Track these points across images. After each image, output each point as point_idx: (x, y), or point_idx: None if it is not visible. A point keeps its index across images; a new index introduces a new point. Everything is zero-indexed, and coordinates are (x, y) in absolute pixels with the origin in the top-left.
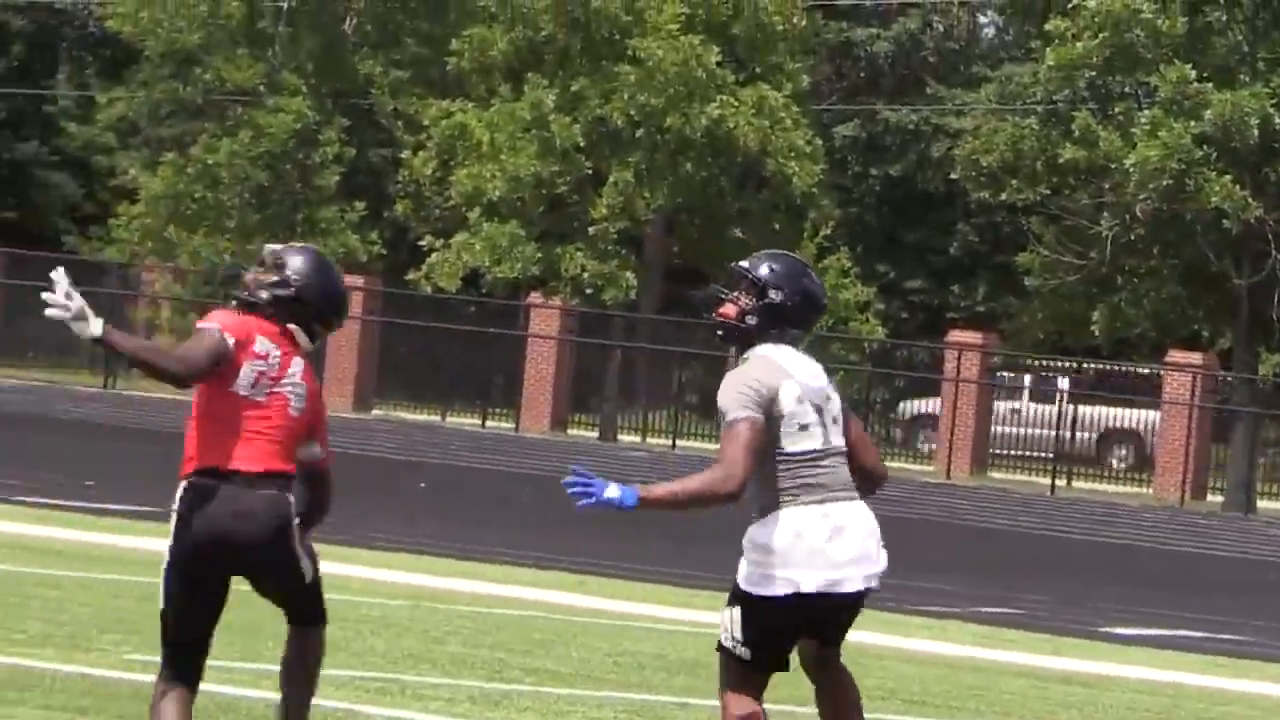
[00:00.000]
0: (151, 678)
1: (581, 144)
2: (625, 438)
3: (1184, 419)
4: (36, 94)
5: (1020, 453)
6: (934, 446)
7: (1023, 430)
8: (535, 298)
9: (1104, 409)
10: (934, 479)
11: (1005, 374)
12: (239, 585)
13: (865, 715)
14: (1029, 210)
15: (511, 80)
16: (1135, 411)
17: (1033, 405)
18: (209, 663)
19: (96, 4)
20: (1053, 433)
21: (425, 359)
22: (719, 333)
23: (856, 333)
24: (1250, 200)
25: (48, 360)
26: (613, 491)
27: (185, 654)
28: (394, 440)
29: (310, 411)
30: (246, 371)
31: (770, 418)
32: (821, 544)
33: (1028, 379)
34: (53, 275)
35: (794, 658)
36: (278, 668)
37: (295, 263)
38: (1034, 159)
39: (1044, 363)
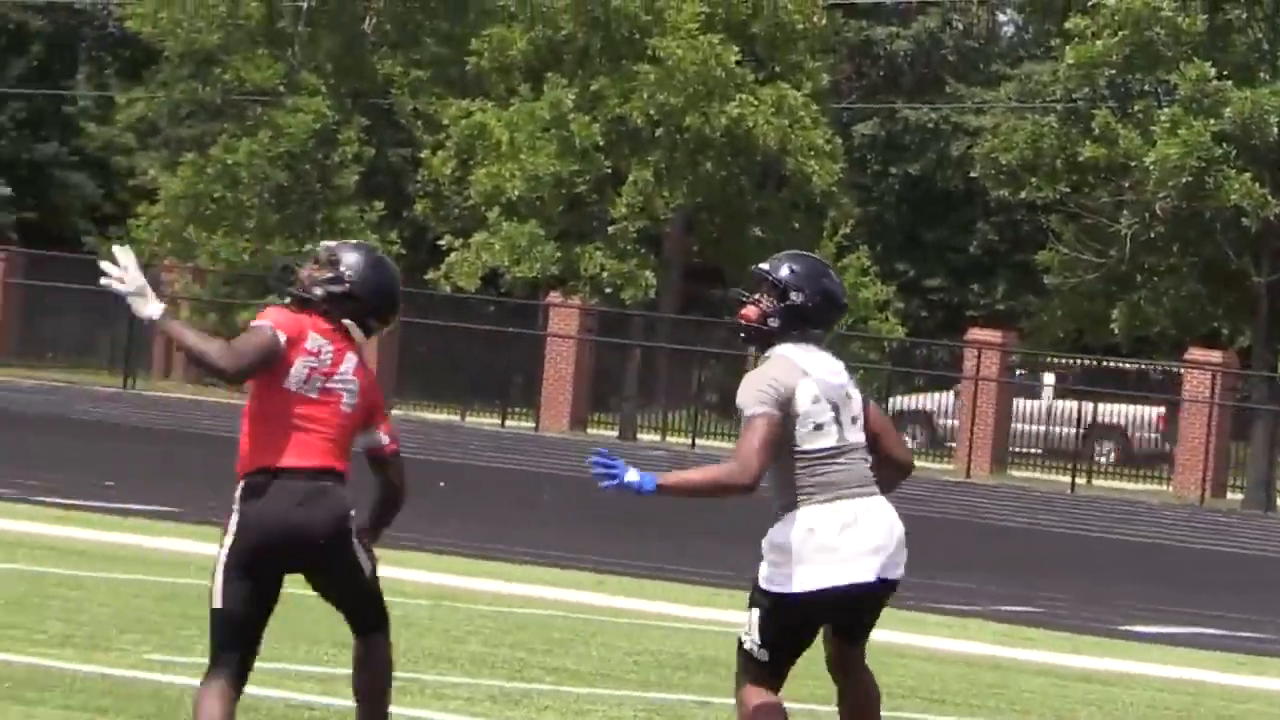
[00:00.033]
0: (171, 678)
1: (601, 143)
2: (645, 437)
3: (1204, 417)
4: (56, 94)
5: (1017, 448)
6: (919, 442)
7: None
8: (554, 297)
9: (1090, 405)
10: (954, 477)
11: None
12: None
13: (887, 714)
14: (1048, 208)
15: (531, 80)
16: (1120, 407)
17: (1018, 401)
18: None
19: (116, 4)
20: (1038, 428)
21: (445, 359)
22: (741, 334)
23: (876, 331)
24: (1270, 198)
25: (67, 361)
26: (633, 475)
27: (234, 652)
28: (414, 440)
29: (365, 404)
30: (298, 368)
31: (787, 416)
32: (833, 539)
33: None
34: (116, 250)
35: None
36: (298, 667)
37: (350, 259)
38: (1053, 157)
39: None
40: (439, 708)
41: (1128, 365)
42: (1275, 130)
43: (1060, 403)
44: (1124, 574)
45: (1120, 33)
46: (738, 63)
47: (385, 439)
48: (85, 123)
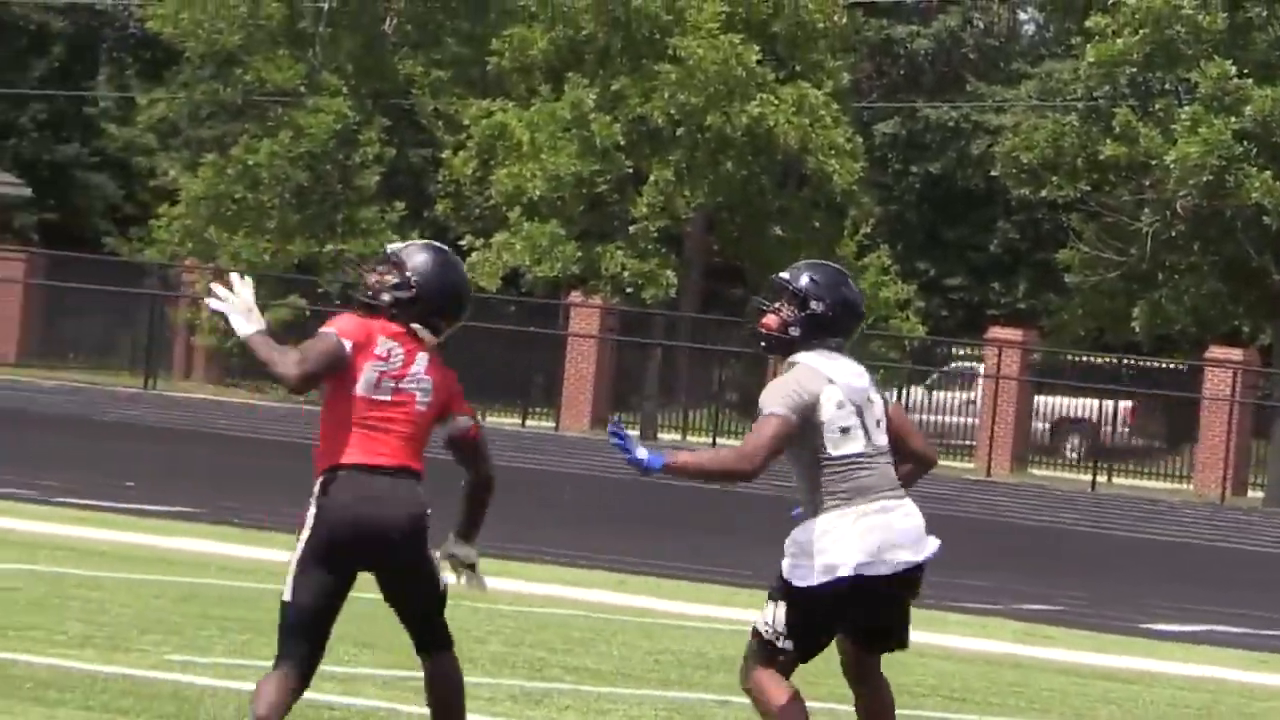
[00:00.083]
0: (191, 678)
1: (622, 143)
2: (665, 436)
3: (1224, 415)
4: (77, 95)
5: (973, 442)
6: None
7: (976, 420)
8: (575, 297)
9: (1058, 399)
10: (974, 476)
11: (962, 364)
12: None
13: (907, 713)
14: (1069, 207)
15: (552, 80)
16: (1089, 401)
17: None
18: (245, 661)
19: (137, 5)
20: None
21: (465, 358)
22: (762, 343)
23: (897, 330)
24: None
25: (88, 361)
26: (642, 452)
27: (300, 647)
28: (434, 439)
29: (440, 400)
30: (368, 373)
31: (810, 423)
32: (858, 536)
33: (981, 367)
34: (234, 277)
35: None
36: (320, 667)
37: (415, 262)
38: (1074, 156)
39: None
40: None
41: (1099, 360)
42: None
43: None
44: (1145, 572)
45: (1141, 31)
46: (758, 62)
47: (467, 422)
48: (106, 124)
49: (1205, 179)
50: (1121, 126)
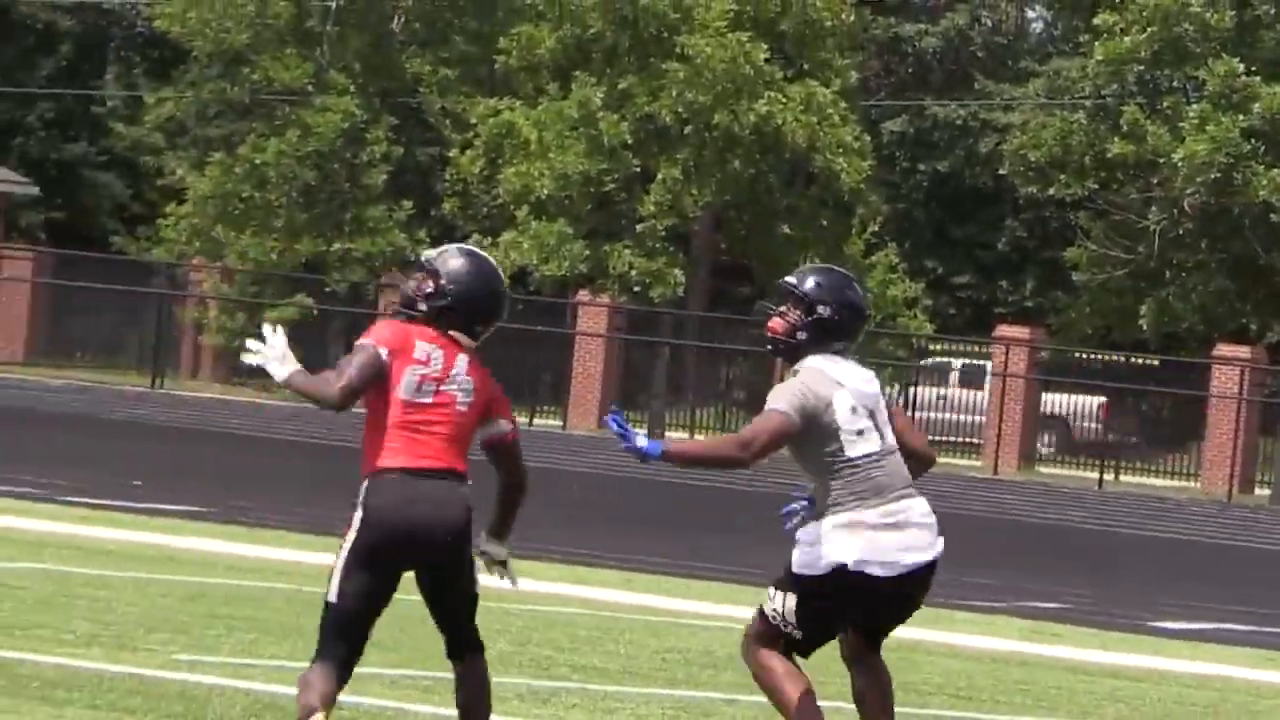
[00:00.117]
0: (198, 677)
1: (629, 141)
2: (673, 434)
3: (1232, 412)
4: (85, 94)
5: (947, 438)
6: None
7: (950, 416)
8: (583, 295)
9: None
10: (981, 474)
11: (933, 359)
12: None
13: (914, 710)
14: (1077, 205)
15: (559, 78)
16: (1062, 396)
17: (960, 391)
18: (253, 661)
19: (144, 4)
20: (980, 418)
21: None
22: (768, 347)
23: (904, 328)
24: None
25: (95, 360)
26: (641, 441)
27: (340, 647)
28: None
29: (481, 401)
30: (408, 377)
31: (820, 425)
32: (873, 535)
33: (956, 363)
34: (267, 328)
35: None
36: None
37: (449, 270)
38: (1082, 154)
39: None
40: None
41: (1079, 354)
42: None
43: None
44: (1151, 570)
45: (1149, 29)
46: (766, 60)
47: (506, 427)
48: (114, 123)
49: (1213, 177)
50: (1129, 124)
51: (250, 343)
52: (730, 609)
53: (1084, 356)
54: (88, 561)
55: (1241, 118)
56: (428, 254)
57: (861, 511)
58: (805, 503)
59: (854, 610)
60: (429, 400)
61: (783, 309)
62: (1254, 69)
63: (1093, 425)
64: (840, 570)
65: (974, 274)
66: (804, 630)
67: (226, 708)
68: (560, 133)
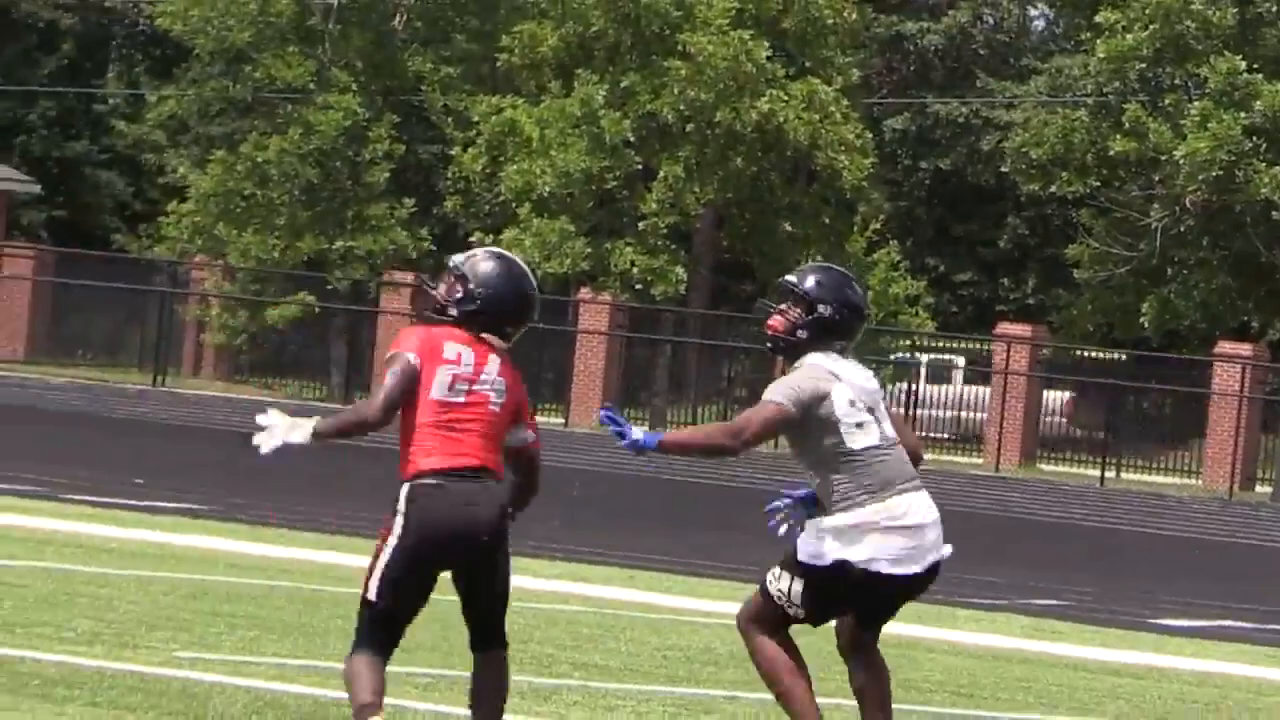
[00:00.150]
0: (200, 675)
1: (631, 139)
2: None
3: (1233, 410)
4: (87, 92)
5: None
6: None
7: (917, 411)
8: (585, 293)
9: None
10: (983, 471)
11: (902, 355)
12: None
13: (915, 708)
14: (1079, 203)
15: (561, 76)
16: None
17: (928, 386)
18: (254, 658)
19: (146, 2)
20: (949, 413)
21: None
22: (769, 345)
23: (906, 326)
24: None
25: (97, 358)
26: (638, 434)
27: (379, 638)
28: None
29: (513, 402)
30: (441, 378)
31: (819, 418)
32: (880, 535)
33: (925, 358)
34: (260, 418)
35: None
36: (325, 664)
37: (479, 273)
38: (1084, 151)
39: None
40: (467, 704)
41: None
42: None
43: (970, 388)
44: (1153, 567)
45: (1151, 26)
46: (768, 58)
47: (530, 435)
48: (116, 121)
49: (1214, 174)
50: (1131, 122)
51: (255, 438)
52: (731, 606)
53: (1082, 354)
54: (89, 559)
55: (1243, 115)
56: (457, 258)
57: (870, 507)
58: (789, 501)
59: (858, 601)
60: (462, 400)
61: (783, 307)
62: (1256, 66)
63: (1059, 420)
64: (847, 567)
65: (976, 272)
66: (806, 611)
67: (227, 705)
68: (562, 130)
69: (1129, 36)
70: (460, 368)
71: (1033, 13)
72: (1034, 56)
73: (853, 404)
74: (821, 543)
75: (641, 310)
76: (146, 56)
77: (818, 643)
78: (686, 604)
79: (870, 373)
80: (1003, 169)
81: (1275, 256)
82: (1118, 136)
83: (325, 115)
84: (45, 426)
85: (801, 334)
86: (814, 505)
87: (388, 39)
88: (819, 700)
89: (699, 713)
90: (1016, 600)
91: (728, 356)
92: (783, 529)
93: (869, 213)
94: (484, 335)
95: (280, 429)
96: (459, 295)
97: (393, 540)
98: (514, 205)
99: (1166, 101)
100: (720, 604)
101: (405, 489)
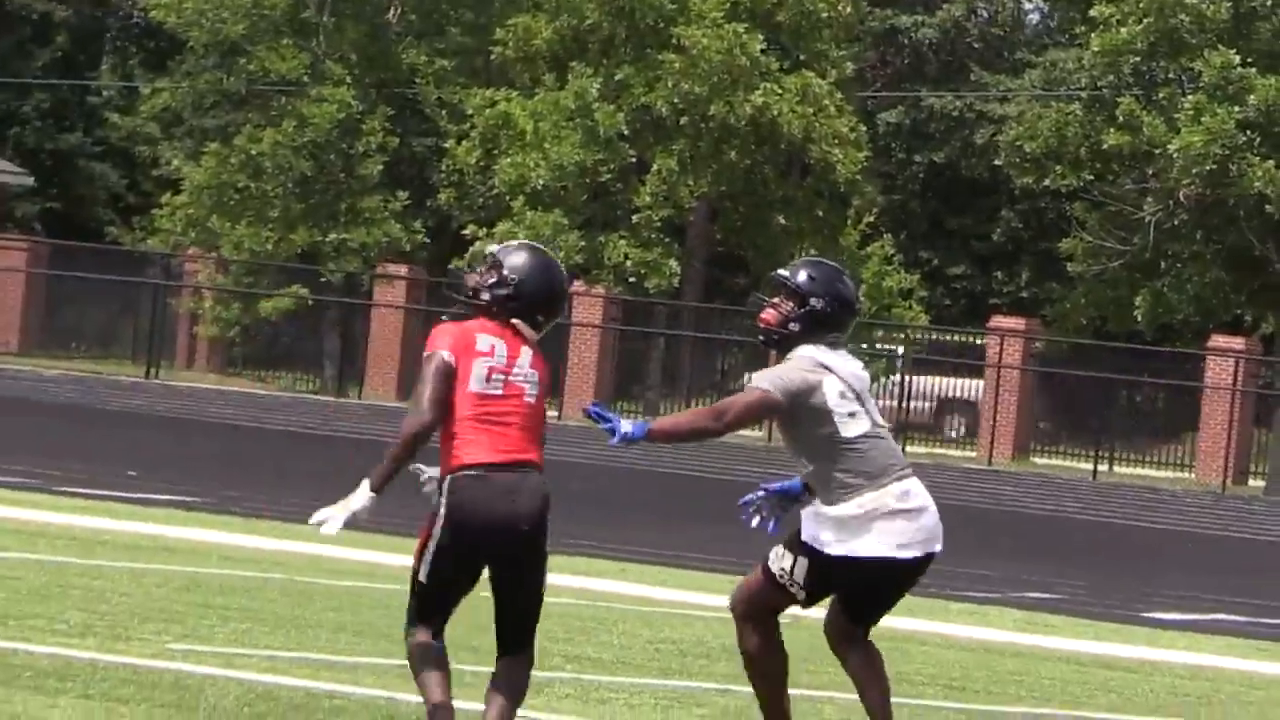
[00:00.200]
0: (192, 667)
1: (625, 132)
2: None
3: (1226, 403)
4: (80, 85)
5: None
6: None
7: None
8: (578, 286)
9: (942, 379)
10: (976, 465)
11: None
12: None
13: (908, 701)
14: (1072, 196)
15: (555, 69)
16: (970, 381)
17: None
18: (247, 651)
19: None
20: (891, 403)
21: None
22: (761, 338)
23: (900, 319)
24: None
25: (91, 350)
26: (627, 426)
27: (433, 612)
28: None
29: (544, 393)
30: (478, 370)
31: (810, 407)
32: (884, 521)
33: (901, 350)
34: (313, 523)
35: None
36: (317, 656)
37: (512, 262)
38: (1078, 145)
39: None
40: (460, 696)
41: (939, 339)
42: None
43: (913, 378)
44: (1145, 561)
45: (1145, 20)
46: (762, 51)
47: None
48: (109, 113)
49: (1208, 168)
50: (1125, 116)
51: (320, 528)
52: (723, 599)
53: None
54: (82, 551)
55: (1237, 109)
56: (491, 247)
57: (870, 494)
58: (762, 494)
59: (862, 589)
60: (499, 392)
61: (775, 301)
62: (1250, 60)
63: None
64: (853, 558)
65: (969, 265)
66: (806, 592)
67: (220, 697)
68: (556, 123)
69: (1123, 30)
70: (494, 359)
71: (1027, 6)
72: (1028, 50)
73: (843, 395)
74: (826, 530)
75: (635, 303)
76: (140, 49)
77: (810, 638)
78: (679, 597)
79: (860, 363)
80: (996, 162)
81: (1268, 250)
82: (1111, 130)
83: (319, 108)
84: (38, 418)
85: (794, 327)
86: (790, 498)
87: (382, 32)
88: (813, 693)
89: (691, 705)
90: (1009, 594)
91: (721, 349)
92: (755, 520)
93: (862, 206)
94: (515, 323)
95: (337, 511)
96: (493, 280)
97: (436, 529)
98: (508, 198)
99: (1160, 95)
100: (712, 597)
101: (447, 481)
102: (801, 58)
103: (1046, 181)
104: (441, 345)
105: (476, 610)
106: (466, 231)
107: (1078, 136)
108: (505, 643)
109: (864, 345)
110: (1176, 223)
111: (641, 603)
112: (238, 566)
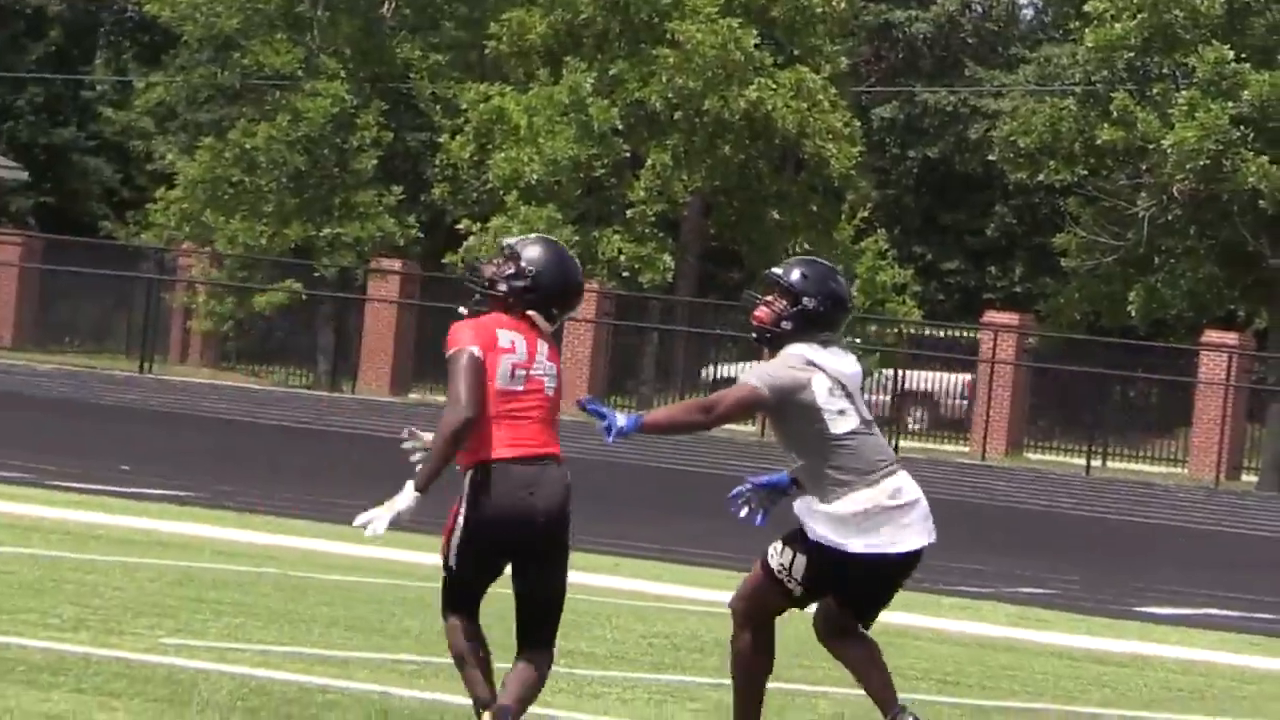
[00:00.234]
0: (185, 661)
1: (619, 127)
2: None
3: (1219, 399)
4: (74, 79)
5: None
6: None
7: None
8: None
9: (901, 371)
10: (969, 460)
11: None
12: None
13: (900, 696)
14: (1066, 191)
15: (550, 63)
16: (930, 373)
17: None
18: (240, 645)
19: None
20: (884, 398)
21: None
22: (754, 335)
23: (893, 314)
24: None
25: (84, 345)
26: (621, 420)
27: (464, 597)
28: (431, 424)
29: (560, 386)
30: (503, 367)
31: (798, 404)
32: (883, 515)
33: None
34: (356, 524)
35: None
36: (311, 651)
37: (530, 254)
38: (1072, 140)
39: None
40: (453, 691)
41: (933, 335)
42: None
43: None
44: (1139, 556)
45: (1139, 15)
46: (757, 46)
47: None
48: (103, 107)
49: (1202, 164)
50: (1119, 111)
51: (368, 530)
52: (717, 594)
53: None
54: (75, 546)
55: (1231, 105)
56: (508, 240)
57: (863, 492)
58: (750, 486)
59: (859, 586)
60: (521, 387)
61: (768, 299)
62: (1244, 56)
63: (959, 402)
64: (850, 555)
65: (963, 260)
66: (804, 588)
67: (212, 692)
68: (550, 118)
69: (1117, 25)
70: (516, 355)
71: (1021, 1)
72: (1022, 45)
73: (832, 392)
74: (823, 527)
75: (629, 298)
76: (134, 43)
77: (804, 633)
78: (672, 591)
79: (853, 358)
80: (990, 157)
81: (1262, 246)
82: (1105, 125)
83: (313, 102)
84: (32, 413)
85: (786, 325)
86: (778, 492)
87: (376, 26)
88: (804, 688)
89: (684, 700)
90: (1002, 588)
91: (715, 344)
92: (744, 512)
93: (856, 201)
94: (530, 315)
95: (383, 512)
96: (510, 272)
97: (459, 521)
98: (501, 193)
99: (1154, 90)
100: (706, 591)
101: (469, 474)
102: (796, 53)
103: (1040, 177)
104: (467, 341)
105: (503, 618)
106: (460, 226)
107: (1072, 132)
108: (525, 640)
109: (857, 340)
110: (1170, 218)
111: (635, 597)
112: (231, 561)
